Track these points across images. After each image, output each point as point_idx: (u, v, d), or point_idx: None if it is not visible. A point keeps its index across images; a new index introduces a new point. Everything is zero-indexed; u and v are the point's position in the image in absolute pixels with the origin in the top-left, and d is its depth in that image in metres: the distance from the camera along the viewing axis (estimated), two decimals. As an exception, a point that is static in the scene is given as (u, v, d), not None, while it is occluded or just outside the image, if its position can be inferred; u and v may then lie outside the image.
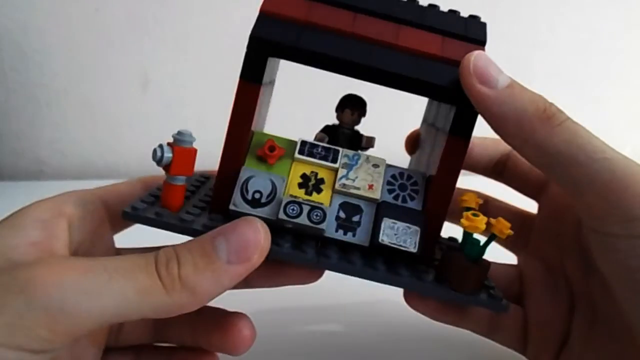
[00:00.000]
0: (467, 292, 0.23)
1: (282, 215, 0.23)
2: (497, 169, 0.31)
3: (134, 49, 0.55)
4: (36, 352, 0.17)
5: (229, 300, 0.25)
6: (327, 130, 0.29)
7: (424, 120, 0.31)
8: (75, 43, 0.53)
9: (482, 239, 0.24)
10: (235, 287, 0.26)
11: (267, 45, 0.23)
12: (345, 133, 0.28)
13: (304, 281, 0.27)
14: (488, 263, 0.24)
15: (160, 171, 0.25)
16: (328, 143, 0.27)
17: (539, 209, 0.29)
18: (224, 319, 0.26)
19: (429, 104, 0.31)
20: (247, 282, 0.26)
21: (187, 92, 0.57)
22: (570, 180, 0.21)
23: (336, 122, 0.29)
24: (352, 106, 0.28)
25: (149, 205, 0.23)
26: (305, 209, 0.23)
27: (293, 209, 0.23)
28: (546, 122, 0.21)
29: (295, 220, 0.23)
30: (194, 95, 0.57)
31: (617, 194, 0.20)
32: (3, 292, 0.17)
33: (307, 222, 0.23)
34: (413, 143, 0.32)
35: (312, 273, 0.27)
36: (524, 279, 0.29)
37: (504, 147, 0.28)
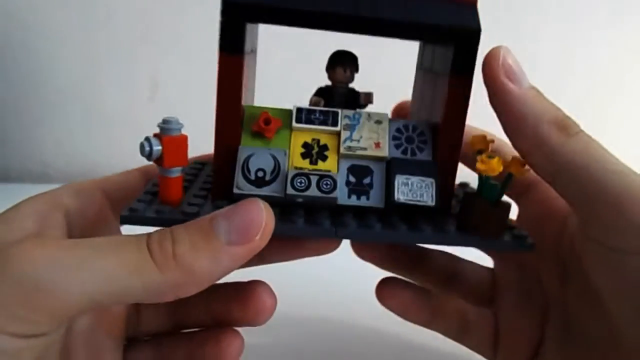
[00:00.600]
0: (492, 236, 0.23)
1: (290, 191, 0.22)
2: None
3: (143, 52, 0.55)
4: (21, 337, 0.16)
5: (240, 275, 0.23)
6: (320, 92, 0.27)
7: (419, 67, 0.30)
8: (84, 46, 0.53)
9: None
10: (251, 263, 0.25)
11: (243, 10, 0.21)
12: (340, 93, 0.27)
13: (321, 252, 0.26)
14: (509, 204, 0.23)
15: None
16: (324, 106, 0.26)
17: (519, 213, 0.28)
18: (242, 289, 0.25)
19: (422, 48, 0.29)
20: (261, 258, 0.25)
21: (195, 96, 0.56)
22: (579, 189, 0.21)
23: (328, 83, 0.27)
24: (343, 63, 0.26)
25: (147, 204, 0.22)
26: (314, 179, 0.22)
27: (301, 182, 0.22)
28: (562, 131, 0.21)
29: (305, 194, 0.22)
30: (202, 100, 0.57)
31: (632, 207, 0.19)
32: None
33: (318, 193, 0.22)
34: (399, 113, 0.31)
35: (329, 243, 0.26)
36: (497, 283, 0.29)
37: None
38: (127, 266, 0.17)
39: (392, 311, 0.27)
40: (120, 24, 0.53)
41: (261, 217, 0.19)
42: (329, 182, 0.22)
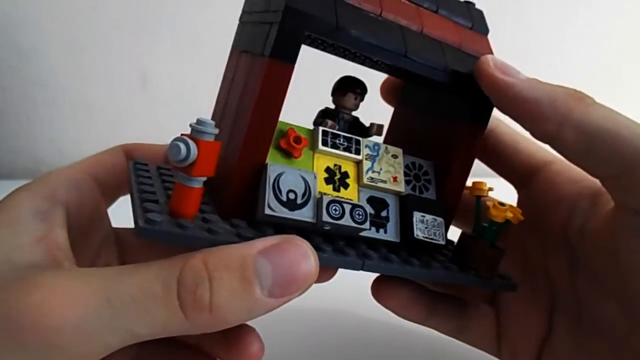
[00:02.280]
0: (486, 276, 0.24)
1: (326, 218, 0.20)
2: None
3: (131, 46, 0.55)
4: None
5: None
6: (325, 115, 0.26)
7: (401, 102, 0.30)
8: (72, 40, 0.52)
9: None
10: None
11: (304, 19, 0.19)
12: (345, 119, 0.26)
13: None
14: (503, 249, 0.25)
15: (141, 138, 0.25)
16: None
17: (521, 199, 0.28)
18: (229, 334, 0.23)
19: (406, 87, 0.30)
20: None
21: (186, 89, 0.57)
22: (614, 157, 0.20)
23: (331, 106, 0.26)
24: (355, 89, 0.26)
25: (157, 213, 0.18)
26: (347, 208, 0.21)
27: (336, 210, 0.20)
28: (581, 101, 0.21)
29: (339, 222, 0.20)
30: (193, 93, 0.56)
31: None
32: None
33: (352, 223, 0.21)
34: (393, 91, 0.30)
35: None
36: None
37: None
38: (151, 324, 0.16)
39: (389, 310, 0.26)
40: (106, 17, 0.53)
41: (309, 271, 0.18)
42: (361, 213, 0.21)
